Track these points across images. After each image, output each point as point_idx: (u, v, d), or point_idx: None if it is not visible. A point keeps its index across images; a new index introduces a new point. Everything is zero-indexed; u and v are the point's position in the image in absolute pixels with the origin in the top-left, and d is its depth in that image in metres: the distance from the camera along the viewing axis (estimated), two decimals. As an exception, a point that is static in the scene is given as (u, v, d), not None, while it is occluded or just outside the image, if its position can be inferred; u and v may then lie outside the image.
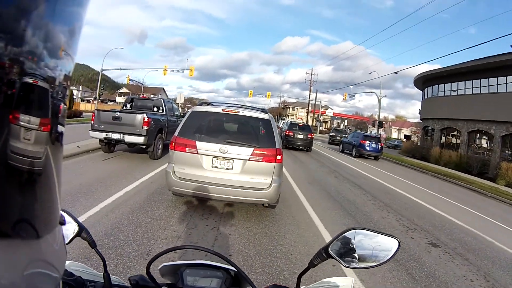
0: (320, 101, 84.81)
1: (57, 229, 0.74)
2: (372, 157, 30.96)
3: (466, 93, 35.14)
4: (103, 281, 1.39)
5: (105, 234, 5.99)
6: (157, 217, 7.18)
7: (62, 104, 0.71)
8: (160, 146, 14.93)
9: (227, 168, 7.44)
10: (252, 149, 7.41)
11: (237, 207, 8.57)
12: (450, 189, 19.38)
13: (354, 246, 1.42)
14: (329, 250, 1.41)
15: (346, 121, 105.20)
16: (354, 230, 1.44)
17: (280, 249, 6.45)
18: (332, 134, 51.20)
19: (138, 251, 5.48)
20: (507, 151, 29.57)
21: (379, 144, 30.70)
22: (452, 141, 38.60)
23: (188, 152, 7.42)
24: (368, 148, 30.05)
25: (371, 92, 56.50)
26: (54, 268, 0.72)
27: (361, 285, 5.53)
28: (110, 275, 1.39)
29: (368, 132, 61.45)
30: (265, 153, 7.44)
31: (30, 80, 0.61)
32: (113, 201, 7.91)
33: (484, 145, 33.73)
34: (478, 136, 34.66)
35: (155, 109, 16.90)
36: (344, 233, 1.43)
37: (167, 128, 15.62)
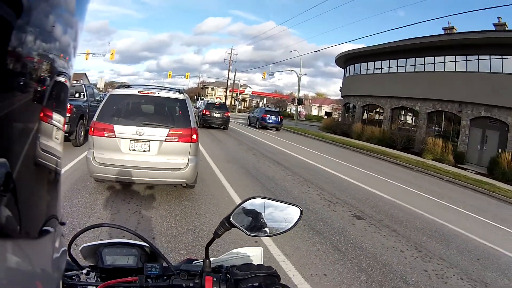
0: (239, 80, 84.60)
1: (58, 228, 0.78)
2: (274, 128, 36.83)
3: (390, 71, 35.96)
4: None
5: (32, 225, 6.01)
6: (82, 205, 7.18)
7: (68, 104, 0.79)
8: (82, 133, 14.62)
9: (144, 150, 7.53)
10: (168, 129, 7.55)
11: (157, 190, 8.72)
12: (373, 164, 19.81)
13: (258, 215, 1.47)
14: (231, 219, 1.45)
15: (265, 99, 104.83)
16: (255, 199, 1.48)
17: (202, 228, 6.68)
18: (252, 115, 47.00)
19: (66, 240, 5.51)
20: (433, 127, 30.83)
21: (279, 117, 37.22)
22: (375, 118, 39.14)
23: (106, 137, 7.39)
24: (269, 121, 36.41)
25: (291, 71, 56.76)
26: (55, 267, 0.75)
27: (286, 259, 5.75)
28: None
29: (288, 110, 63.32)
30: (181, 133, 7.60)
31: (62, 79, 0.64)
32: (37, 192, 7.79)
33: (409, 121, 34.82)
34: (403, 113, 35.80)
35: (77, 95, 16.38)
36: (245, 202, 1.47)
37: (88, 114, 15.30)
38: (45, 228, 0.70)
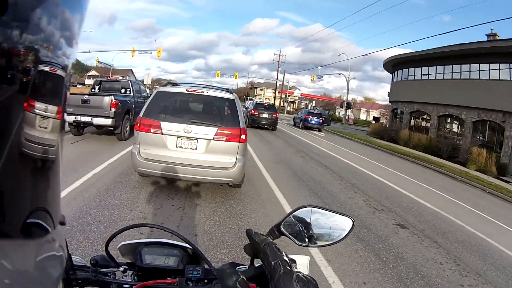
0: (288, 82, 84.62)
1: (56, 228, 0.74)
2: (316, 129, 39.05)
3: (437, 77, 35.10)
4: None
5: (73, 217, 6.00)
6: (124, 199, 7.20)
7: (68, 92, 0.73)
8: (128, 128, 14.85)
9: (191, 148, 7.47)
10: (216, 128, 7.44)
11: (203, 187, 8.61)
12: (419, 171, 19.33)
13: (308, 225, 1.43)
14: (281, 228, 1.41)
15: (314, 101, 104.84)
16: (307, 208, 1.44)
17: (245, 228, 6.46)
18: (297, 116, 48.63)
19: (106, 233, 5.49)
20: (478, 137, 29.65)
21: (321, 118, 39.54)
22: (422, 125, 38.36)
23: (152, 133, 7.39)
24: (311, 122, 38.92)
25: (340, 74, 56.90)
26: (58, 265, 0.74)
27: (327, 265, 5.62)
28: (72, 256, 1.35)
29: (337, 113, 64.79)
30: (229, 132, 7.48)
31: (46, 68, 0.63)
32: (81, 184, 7.86)
33: (455, 129, 33.75)
34: (448, 121, 34.74)
35: (123, 90, 16.79)
36: (297, 210, 1.43)
37: (134, 109, 15.55)
38: (52, 223, 0.68)
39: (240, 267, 1.54)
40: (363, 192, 11.18)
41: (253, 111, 29.80)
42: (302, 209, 1.43)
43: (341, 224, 1.46)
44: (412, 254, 6.74)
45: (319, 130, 38.99)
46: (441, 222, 9.37)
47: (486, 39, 29.76)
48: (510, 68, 26.22)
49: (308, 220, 1.42)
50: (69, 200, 6.79)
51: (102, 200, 7.01)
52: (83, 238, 5.30)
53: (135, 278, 1.49)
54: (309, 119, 39.04)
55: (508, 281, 6.48)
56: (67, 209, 6.31)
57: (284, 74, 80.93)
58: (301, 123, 39.95)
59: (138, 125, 7.52)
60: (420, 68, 38.00)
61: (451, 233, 8.57)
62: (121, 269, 1.45)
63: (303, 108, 70.61)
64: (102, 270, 1.39)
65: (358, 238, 7.05)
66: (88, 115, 13.34)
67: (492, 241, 8.51)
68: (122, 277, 1.47)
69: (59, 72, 0.67)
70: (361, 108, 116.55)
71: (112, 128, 13.97)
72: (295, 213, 1.43)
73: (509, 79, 26.24)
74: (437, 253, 7.06)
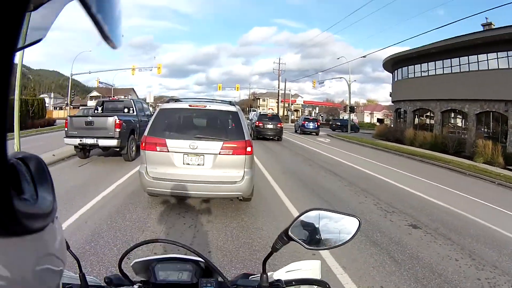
0: (290, 90, 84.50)
1: (56, 220, 0.71)
2: (314, 133, 43.56)
3: (437, 73, 35.04)
4: (79, 282, 1.39)
5: (85, 240, 6.00)
6: (135, 220, 7.20)
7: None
8: (134, 147, 14.83)
9: (198, 164, 7.45)
10: (222, 142, 7.43)
11: (213, 203, 8.58)
12: (427, 170, 19.29)
13: (316, 228, 1.45)
14: (289, 233, 1.42)
15: (317, 108, 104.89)
16: (314, 211, 1.45)
17: (259, 242, 6.50)
18: (296, 123, 53.83)
19: (119, 255, 5.34)
20: (482, 129, 29.53)
21: (316, 123, 44.50)
22: (426, 122, 38.26)
23: (159, 151, 7.40)
24: (308, 127, 43.52)
25: (341, 78, 56.68)
26: (59, 260, 0.71)
27: (343, 271, 5.58)
28: (86, 275, 1.40)
29: (341, 117, 71.46)
30: (235, 145, 7.47)
31: None
32: (91, 207, 7.89)
33: (459, 124, 33.64)
34: (452, 116, 34.61)
35: (126, 110, 16.78)
36: (302, 215, 1.45)
37: (139, 128, 15.51)
38: (49, 218, 0.62)
39: (253, 277, 1.61)
40: (374, 195, 11.16)
41: (257, 122, 29.82)
42: (309, 212, 1.44)
43: (348, 224, 1.48)
44: (427, 253, 6.73)
45: (316, 134, 43.34)
46: (453, 218, 9.38)
47: (482, 29, 29.75)
48: (508, 56, 26.23)
49: (315, 223, 1.44)
50: (81, 224, 6.81)
51: (114, 222, 7.01)
52: (96, 261, 5.30)
53: None
54: (306, 124, 43.79)
55: (525, 270, 6.50)
56: (78, 234, 6.32)
57: (285, 83, 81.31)
58: (299, 129, 45.07)
59: (143, 144, 7.51)
60: (420, 65, 38.03)
61: (464, 228, 8.57)
62: (135, 286, 1.47)
63: (303, 115, 71.19)
64: None
65: (372, 242, 7.03)
66: (93, 137, 13.36)
67: (505, 232, 8.50)
68: None
69: None
70: (365, 111, 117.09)
71: (118, 149, 13.94)
72: (302, 218, 1.44)
73: (507, 67, 26.21)
74: (451, 250, 7.07)
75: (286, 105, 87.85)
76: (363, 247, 6.68)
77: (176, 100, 8.74)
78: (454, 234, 8.03)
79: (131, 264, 1.56)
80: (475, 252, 7.04)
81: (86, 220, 7.05)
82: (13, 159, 0.58)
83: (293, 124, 56.83)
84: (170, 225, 7.07)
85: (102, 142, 13.40)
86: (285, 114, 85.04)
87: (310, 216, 1.44)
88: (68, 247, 1.38)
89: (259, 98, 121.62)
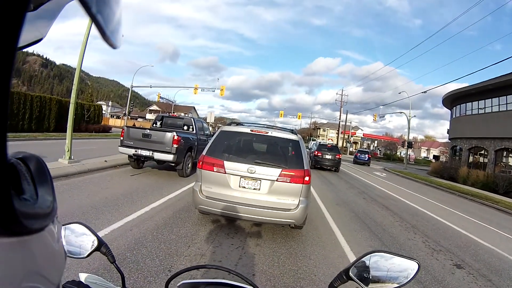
0: (350, 122, 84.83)
1: (56, 220, 0.70)
2: (366, 164, 49.13)
3: (493, 110, 34.56)
4: None
5: (127, 248, 6.02)
6: (182, 235, 7.15)
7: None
8: (190, 165, 14.98)
9: (254, 188, 7.36)
10: (280, 169, 7.33)
11: (263, 227, 8.49)
12: (476, 209, 19.07)
13: (375, 269, 1.41)
14: (350, 273, 1.40)
15: (376, 142, 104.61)
16: (375, 253, 1.43)
17: (304, 270, 6.33)
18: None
19: (160, 266, 5.47)
20: None
21: (367, 155, 51.06)
22: (480, 160, 38.02)
23: (215, 172, 7.40)
24: (360, 158, 50.52)
25: (401, 113, 57.44)
26: (59, 260, 0.69)
27: None
28: None
29: (398, 153, 79.56)
30: (293, 174, 7.34)
31: None
32: (138, 216, 7.95)
33: (511, 163, 33.05)
34: (505, 154, 34.01)
35: (185, 127, 17.10)
36: (365, 256, 1.42)
37: (196, 146, 15.69)
38: (44, 221, 0.61)
39: None
40: (423, 233, 11.03)
41: (316, 152, 29.90)
42: (370, 254, 1.43)
43: (407, 267, 1.45)
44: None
45: (367, 165, 48.76)
46: (496, 260, 9.22)
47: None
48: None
49: (375, 265, 1.42)
50: (125, 231, 6.86)
51: (160, 234, 7.00)
52: (135, 269, 5.28)
53: None
54: (358, 156, 51.28)
55: None
56: (120, 240, 6.37)
57: (346, 114, 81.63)
58: (353, 159, 52.20)
59: (201, 163, 7.55)
60: (477, 102, 37.71)
61: (505, 270, 8.42)
62: None
63: (359, 149, 72.76)
64: None
65: (416, 280, 6.80)
66: (149, 150, 13.60)
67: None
68: None
69: None
70: (422, 147, 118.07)
71: (173, 164, 14.07)
72: (363, 258, 1.43)
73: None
74: (489, 291, 6.96)
75: (346, 136, 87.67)
76: (408, 285, 6.36)
77: (238, 124, 8.77)
78: (495, 276, 7.87)
79: (177, 285, 1.53)
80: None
81: (131, 228, 7.10)
82: (13, 159, 0.58)
83: (352, 156, 59.89)
84: (217, 244, 6.98)
85: (158, 156, 13.59)
86: (344, 145, 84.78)
87: (371, 258, 1.43)
88: (114, 261, 1.50)
89: (319, 128, 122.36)
